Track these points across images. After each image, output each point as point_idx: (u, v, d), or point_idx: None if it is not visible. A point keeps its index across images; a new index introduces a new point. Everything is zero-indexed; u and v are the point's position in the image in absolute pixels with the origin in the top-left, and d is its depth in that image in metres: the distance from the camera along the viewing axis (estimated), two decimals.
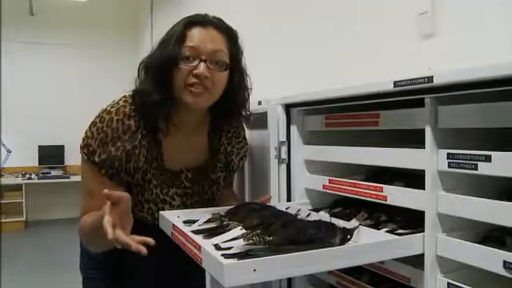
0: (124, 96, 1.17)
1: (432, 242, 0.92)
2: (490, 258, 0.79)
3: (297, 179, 1.38)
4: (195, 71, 1.09)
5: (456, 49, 1.49)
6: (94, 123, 1.13)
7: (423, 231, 0.95)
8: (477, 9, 1.43)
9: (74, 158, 6.16)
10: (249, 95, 1.25)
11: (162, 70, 1.10)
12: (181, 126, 1.20)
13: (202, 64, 1.09)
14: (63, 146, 6.41)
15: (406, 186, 1.04)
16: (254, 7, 2.84)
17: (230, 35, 1.17)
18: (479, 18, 1.42)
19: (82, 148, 1.13)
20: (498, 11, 1.36)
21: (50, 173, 6.35)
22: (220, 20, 1.17)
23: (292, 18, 2.40)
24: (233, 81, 1.18)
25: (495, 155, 0.80)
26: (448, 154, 0.89)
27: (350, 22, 1.96)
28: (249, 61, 1.25)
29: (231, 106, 1.23)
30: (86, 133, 1.14)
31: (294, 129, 1.38)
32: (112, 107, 1.14)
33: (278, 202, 1.36)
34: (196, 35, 1.11)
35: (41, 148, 6.43)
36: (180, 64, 1.09)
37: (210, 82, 1.11)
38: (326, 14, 2.14)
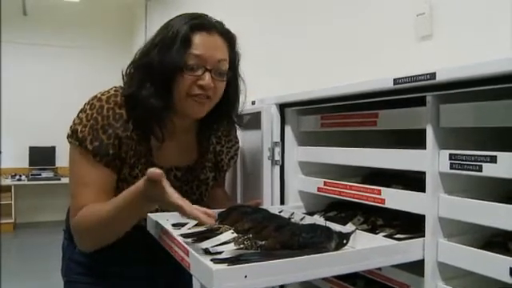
0: (115, 86, 1.12)
1: (433, 248, 0.88)
2: (496, 265, 0.75)
3: (290, 181, 1.33)
4: (200, 82, 1.05)
5: (454, 50, 1.47)
6: (83, 110, 1.09)
7: (423, 236, 0.90)
8: (474, 10, 1.41)
9: (65, 159, 5.97)
10: (240, 99, 1.22)
11: (164, 76, 1.05)
12: (174, 130, 1.16)
13: (207, 74, 1.05)
14: (54, 148, 6.34)
15: (404, 189, 1.00)
16: (249, 7, 2.82)
17: (231, 40, 1.14)
18: (477, 18, 1.40)
19: (70, 136, 1.08)
20: (496, 12, 1.33)
21: (40, 174, 6.29)
22: (221, 24, 1.13)
23: (289, 18, 2.38)
24: (230, 87, 1.15)
25: (501, 156, 0.75)
26: (450, 155, 0.84)
27: (348, 24, 1.93)
28: (243, 60, 1.21)
29: (225, 111, 1.20)
30: (74, 120, 1.09)
31: (288, 129, 1.34)
32: (103, 95, 1.09)
33: (270, 204, 1.32)
34: (202, 42, 1.06)
35: (32, 149, 6.36)
36: (184, 72, 1.04)
37: (212, 91, 1.08)
38: (323, 15, 2.11)
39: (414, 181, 1.02)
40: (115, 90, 1.11)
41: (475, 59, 0.76)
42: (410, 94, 0.90)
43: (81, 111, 1.09)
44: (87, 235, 1.08)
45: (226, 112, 1.20)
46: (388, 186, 1.04)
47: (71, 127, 1.08)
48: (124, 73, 1.13)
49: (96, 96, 1.10)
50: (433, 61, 1.53)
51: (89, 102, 1.09)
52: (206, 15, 1.12)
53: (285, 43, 2.40)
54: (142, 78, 1.08)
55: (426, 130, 0.88)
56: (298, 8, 2.30)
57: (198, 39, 1.06)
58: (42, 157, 6.41)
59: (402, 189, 1.00)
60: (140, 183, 0.95)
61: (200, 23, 1.08)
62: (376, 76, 0.97)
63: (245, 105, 1.26)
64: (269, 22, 2.59)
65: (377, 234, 1.03)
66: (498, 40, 1.32)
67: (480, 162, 0.78)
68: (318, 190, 1.22)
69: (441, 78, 0.81)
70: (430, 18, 1.57)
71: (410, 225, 1.02)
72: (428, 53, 1.58)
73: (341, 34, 1.98)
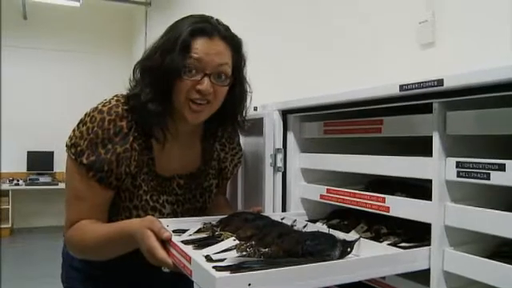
0: (116, 95, 1.11)
1: (439, 257, 0.86)
2: (504, 275, 0.73)
3: (293, 188, 1.32)
4: (198, 86, 1.04)
5: (456, 57, 1.46)
6: (83, 122, 1.07)
7: (428, 245, 0.89)
8: (476, 17, 1.41)
9: (63, 164, 6.01)
10: (246, 102, 1.21)
11: (163, 80, 1.04)
12: (177, 134, 1.15)
13: (206, 79, 1.04)
14: (53, 153, 6.32)
15: (409, 197, 0.98)
16: (250, 11, 2.82)
17: (235, 45, 1.12)
18: (479, 26, 1.39)
19: (68, 147, 1.07)
20: (498, 19, 1.33)
21: (38, 179, 6.26)
22: (227, 29, 1.11)
23: (292, 22, 2.37)
24: (234, 91, 1.14)
25: (510, 164, 0.74)
26: (457, 163, 0.83)
27: (351, 32, 1.93)
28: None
29: (230, 114, 1.18)
30: (73, 131, 1.07)
31: (290, 136, 1.32)
32: (104, 106, 1.07)
33: (272, 211, 1.30)
34: (202, 47, 1.05)
35: (30, 154, 6.34)
36: (183, 76, 1.03)
37: (212, 96, 1.06)
38: (328, 21, 2.11)
39: (418, 189, 1.00)
40: (116, 100, 1.08)
41: (478, 67, 0.76)
42: (415, 100, 0.89)
43: (81, 123, 1.07)
44: (79, 252, 1.12)
45: (230, 116, 1.19)
46: (392, 194, 1.03)
47: (71, 139, 1.07)
48: (131, 73, 1.12)
49: (97, 108, 1.07)
50: (436, 68, 1.52)
51: (89, 113, 1.07)
52: (212, 18, 1.10)
53: (287, 49, 2.39)
54: (143, 81, 1.08)
55: (432, 137, 0.87)
56: (301, 14, 2.29)
57: (198, 44, 1.05)
58: (40, 161, 6.38)
59: (407, 197, 0.99)
60: (135, 226, 0.96)
61: (201, 28, 1.06)
62: (378, 84, 0.96)
63: (249, 109, 1.25)
64: (270, 26, 2.58)
65: (381, 242, 1.01)
66: (501, 47, 1.31)
67: (488, 169, 0.77)
68: (321, 198, 1.21)
69: (449, 84, 0.80)
70: (433, 25, 1.57)
71: (414, 233, 1.01)
72: (431, 60, 1.57)
73: (343, 41, 1.97)
